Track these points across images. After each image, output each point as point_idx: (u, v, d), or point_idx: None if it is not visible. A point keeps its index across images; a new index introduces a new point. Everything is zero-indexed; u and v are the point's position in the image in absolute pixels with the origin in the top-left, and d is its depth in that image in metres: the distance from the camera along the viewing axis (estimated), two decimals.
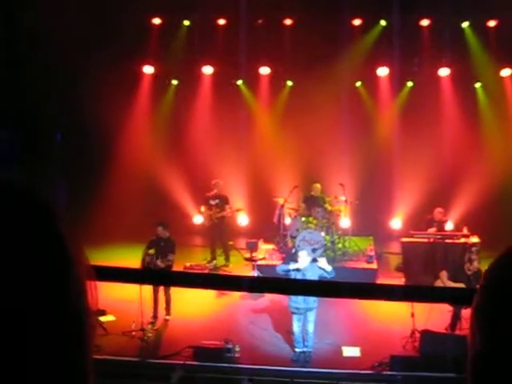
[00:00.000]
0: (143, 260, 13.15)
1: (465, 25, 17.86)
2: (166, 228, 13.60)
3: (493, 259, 1.20)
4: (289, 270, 11.76)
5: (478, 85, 18.25)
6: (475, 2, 16.61)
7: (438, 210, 16.03)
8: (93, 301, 1.08)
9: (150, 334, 12.66)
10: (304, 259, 11.98)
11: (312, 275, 11.59)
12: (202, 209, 17.07)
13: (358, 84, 18.74)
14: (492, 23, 17.55)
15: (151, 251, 13.22)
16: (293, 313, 11.95)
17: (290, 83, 18.98)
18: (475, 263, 12.43)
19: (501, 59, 17.51)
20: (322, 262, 11.97)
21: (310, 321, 11.90)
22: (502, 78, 17.97)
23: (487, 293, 1.14)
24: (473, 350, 1.14)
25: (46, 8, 15.35)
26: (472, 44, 17.89)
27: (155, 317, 13.14)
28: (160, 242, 13.40)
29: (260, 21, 18.45)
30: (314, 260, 12.38)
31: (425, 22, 17.98)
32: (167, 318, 13.28)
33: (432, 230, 15.71)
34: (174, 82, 19.41)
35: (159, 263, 13.12)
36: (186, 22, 18.75)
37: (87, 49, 16.50)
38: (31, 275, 0.99)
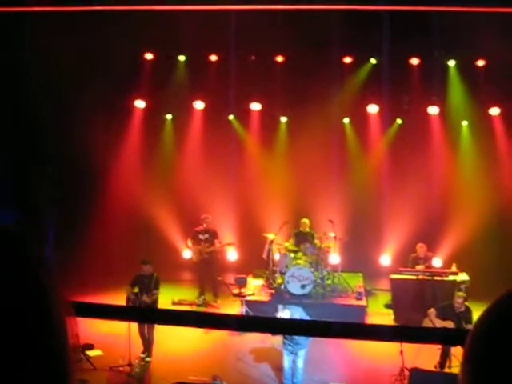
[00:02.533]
0: (128, 298, 13.03)
1: (451, 63, 18.06)
2: (149, 265, 13.51)
3: (484, 304, 1.19)
4: None
5: (464, 123, 18.38)
6: (464, 42, 16.79)
7: (420, 245, 16.02)
8: (73, 337, 1.09)
9: (137, 370, 12.54)
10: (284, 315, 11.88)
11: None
12: (189, 243, 17.01)
13: (346, 121, 18.83)
14: (481, 62, 17.75)
15: (135, 289, 13.09)
16: (284, 349, 11.91)
17: (283, 119, 19.07)
18: (463, 301, 12.43)
19: (489, 98, 17.67)
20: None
21: (299, 356, 11.86)
22: (491, 116, 18.10)
23: (478, 346, 1.13)
24: None
25: (35, 44, 15.45)
26: (456, 83, 18.08)
27: (145, 350, 13.03)
28: (143, 278, 13.28)
29: (253, 57, 18.59)
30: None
31: (414, 61, 18.16)
32: (148, 359, 13.09)
33: (420, 267, 15.71)
34: (169, 116, 19.48)
35: (145, 299, 13.00)
36: (182, 58, 18.87)
37: (79, 84, 16.54)
38: (14, 316, 0.99)
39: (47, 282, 1.08)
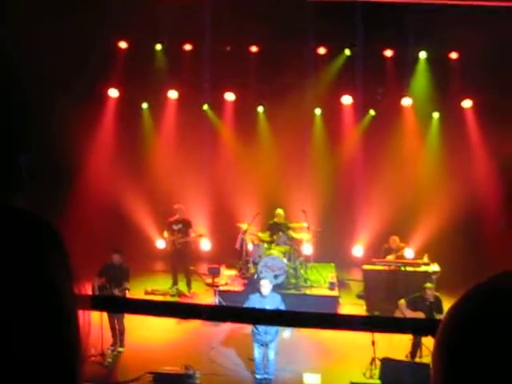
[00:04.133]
0: (93, 288, 12.92)
1: (422, 56, 18.14)
2: (120, 254, 13.43)
3: (454, 294, 1.20)
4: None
5: (435, 115, 18.49)
6: (437, 34, 16.89)
7: (393, 238, 16.19)
8: (85, 331, 1.09)
9: (109, 360, 12.53)
10: (266, 287, 12.10)
11: (270, 306, 11.66)
12: (165, 234, 16.99)
13: (318, 112, 18.86)
14: (454, 55, 17.85)
15: (102, 280, 12.99)
16: (254, 341, 11.96)
17: (260, 109, 19.05)
18: (433, 291, 12.55)
19: (462, 90, 17.80)
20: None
21: (270, 348, 11.94)
22: (463, 108, 18.22)
23: (450, 329, 1.14)
24: None
25: (6, 31, 15.31)
26: (425, 75, 18.18)
27: (115, 343, 12.99)
28: (113, 269, 13.18)
29: (228, 47, 18.55)
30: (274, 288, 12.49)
31: (388, 53, 18.22)
32: (120, 350, 13.05)
33: (391, 258, 15.84)
34: (144, 105, 19.38)
35: (116, 292, 12.90)
36: (156, 47, 18.74)
37: (52, 73, 16.38)
38: (24, 309, 0.99)
39: (60, 268, 1.07)
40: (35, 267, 1.03)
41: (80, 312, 1.08)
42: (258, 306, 11.76)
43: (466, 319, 1.13)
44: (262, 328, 11.64)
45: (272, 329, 11.60)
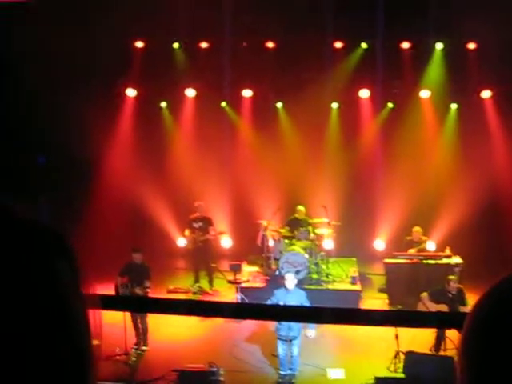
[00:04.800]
0: (116, 287, 12.97)
1: (438, 47, 18.03)
2: (140, 253, 13.47)
3: (477, 286, 1.20)
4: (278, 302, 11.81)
5: (453, 106, 18.38)
6: (455, 25, 16.78)
7: (416, 229, 16.08)
8: (97, 331, 1.10)
9: (134, 358, 12.60)
10: (290, 281, 12.12)
11: (295, 302, 11.67)
12: (186, 232, 17.02)
13: (335, 106, 18.80)
14: (472, 45, 17.72)
15: (124, 280, 13.03)
16: (278, 338, 11.97)
17: (279, 105, 19.05)
18: (455, 284, 12.49)
19: (481, 81, 17.68)
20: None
21: (294, 344, 11.95)
22: (483, 99, 18.10)
23: (475, 333, 1.14)
24: None
25: (25, 33, 15.40)
26: (442, 66, 18.06)
27: (138, 342, 13.04)
28: (134, 268, 13.23)
29: (244, 43, 18.54)
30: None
31: (405, 45, 18.12)
32: (144, 348, 13.10)
33: (412, 251, 15.76)
34: (163, 104, 19.43)
35: (138, 291, 12.94)
36: (173, 45, 18.78)
37: (70, 74, 16.47)
38: (34, 310, 1.00)
39: (66, 272, 1.08)
40: (40, 272, 1.04)
41: (90, 312, 1.09)
42: (282, 301, 11.77)
43: (487, 319, 1.12)
44: (285, 324, 11.64)
45: (295, 325, 11.59)
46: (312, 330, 12.15)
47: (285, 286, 12.24)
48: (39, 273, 1.03)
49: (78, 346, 1.05)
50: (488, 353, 1.09)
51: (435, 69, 18.15)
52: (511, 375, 1.05)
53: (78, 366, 1.05)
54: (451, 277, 12.72)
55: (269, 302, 11.81)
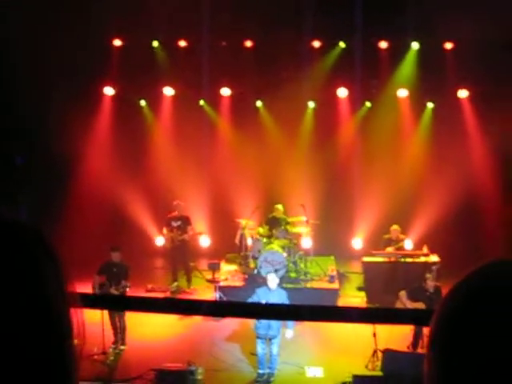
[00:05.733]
0: (93, 287, 12.88)
1: (414, 47, 18.13)
2: (119, 252, 13.38)
3: (452, 282, 1.20)
4: (259, 301, 11.79)
5: (430, 105, 18.50)
6: (432, 25, 16.87)
7: (394, 227, 16.17)
8: (79, 330, 1.10)
9: (112, 358, 12.55)
10: (272, 281, 12.14)
11: (277, 301, 11.68)
12: (164, 231, 16.98)
13: (314, 105, 18.84)
14: (449, 45, 17.84)
15: (102, 279, 12.96)
16: (257, 337, 11.97)
17: (259, 104, 19.06)
18: (432, 282, 12.56)
19: (458, 81, 17.80)
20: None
21: (274, 343, 11.96)
22: (459, 99, 18.23)
23: (443, 325, 1.15)
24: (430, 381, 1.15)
25: (4, 30, 15.30)
26: (416, 65, 18.16)
27: (116, 341, 12.99)
28: (112, 267, 13.14)
29: (223, 43, 18.54)
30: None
31: (383, 44, 18.21)
32: (122, 347, 13.04)
33: (390, 249, 15.84)
34: (142, 102, 19.37)
35: (113, 291, 12.86)
36: (151, 44, 18.74)
37: (48, 72, 16.36)
38: (13, 307, 1.00)
39: (49, 271, 1.08)
40: (24, 272, 1.04)
41: (72, 311, 1.10)
42: (264, 299, 11.78)
43: (455, 311, 1.13)
44: (264, 323, 11.64)
45: (275, 324, 11.60)
46: (290, 331, 12.16)
47: (267, 285, 12.24)
48: (23, 273, 1.04)
49: (61, 346, 1.06)
50: (456, 344, 1.10)
51: (409, 68, 18.26)
52: (478, 366, 1.06)
53: (62, 365, 1.05)
54: (428, 275, 12.79)
55: (250, 301, 11.79)
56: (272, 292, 12.08)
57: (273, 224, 17.02)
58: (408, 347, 12.29)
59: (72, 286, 1.12)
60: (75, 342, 1.10)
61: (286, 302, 11.94)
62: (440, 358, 1.13)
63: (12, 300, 1.00)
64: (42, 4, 15.43)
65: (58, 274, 1.09)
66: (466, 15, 15.18)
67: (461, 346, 1.09)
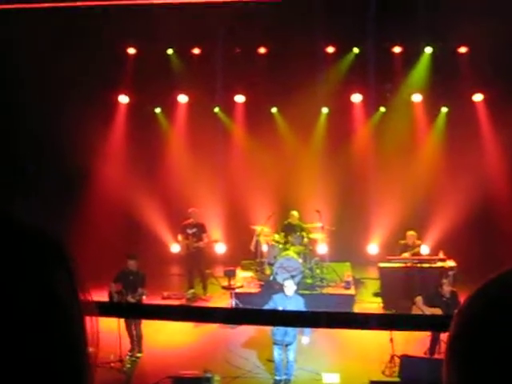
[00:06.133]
0: (110, 295, 12.93)
1: (427, 51, 18.08)
2: (135, 260, 13.40)
3: (468, 287, 1.19)
4: (276, 307, 11.77)
5: (444, 110, 18.44)
6: (446, 29, 16.80)
7: (411, 233, 16.11)
8: (93, 338, 1.10)
9: (128, 365, 12.56)
10: (290, 288, 12.10)
11: (293, 308, 11.65)
12: (180, 238, 17.00)
13: (329, 111, 18.84)
14: (463, 49, 17.78)
15: (118, 287, 12.97)
16: (274, 343, 11.94)
17: (273, 110, 19.08)
18: (448, 287, 12.50)
19: (472, 85, 17.73)
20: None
21: (290, 349, 11.92)
22: (474, 103, 18.17)
23: (462, 334, 1.13)
24: None
25: (16, 40, 15.39)
26: (430, 70, 18.09)
27: (133, 349, 13.00)
28: (128, 275, 13.15)
29: (237, 50, 18.56)
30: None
31: (397, 49, 18.18)
32: (139, 355, 13.04)
33: (406, 255, 15.77)
34: (157, 110, 19.44)
35: (130, 299, 12.87)
36: (167, 52, 18.80)
37: (62, 81, 16.44)
38: (32, 316, 1.00)
39: (64, 278, 1.08)
40: (37, 280, 1.04)
41: (87, 319, 1.09)
42: (280, 306, 11.75)
43: (475, 320, 1.12)
44: (281, 329, 11.61)
45: (291, 330, 11.56)
46: (306, 337, 12.12)
47: (283, 292, 12.21)
48: (37, 281, 1.03)
49: (75, 355, 1.05)
50: (475, 353, 1.08)
51: (422, 72, 18.21)
52: (498, 376, 1.05)
53: (75, 373, 1.05)
54: (444, 280, 12.73)
55: (266, 307, 11.78)
56: (289, 298, 12.04)
57: (288, 230, 17.01)
58: (425, 353, 12.24)
59: (87, 293, 1.12)
60: (90, 350, 1.10)
61: (303, 308, 11.90)
62: (459, 367, 1.11)
63: (25, 308, 1.00)
64: (56, 13, 15.48)
65: (73, 282, 1.09)
66: (480, 19, 15.12)
67: (480, 354, 1.07)
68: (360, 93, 18.52)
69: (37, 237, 1.09)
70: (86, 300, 1.11)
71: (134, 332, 12.92)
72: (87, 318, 1.10)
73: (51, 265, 1.07)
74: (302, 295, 13.18)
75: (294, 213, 17.33)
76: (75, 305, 1.08)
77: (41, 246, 1.08)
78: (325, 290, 16.21)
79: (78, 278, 1.11)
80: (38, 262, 1.06)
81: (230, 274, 16.33)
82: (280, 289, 12.59)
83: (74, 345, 1.05)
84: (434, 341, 12.21)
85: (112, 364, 12.32)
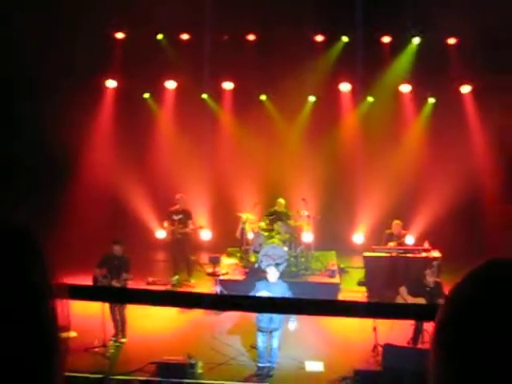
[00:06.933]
0: (94, 279, 12.90)
1: (415, 41, 18.11)
2: (121, 245, 13.37)
3: (453, 277, 1.20)
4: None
5: (431, 100, 18.49)
6: (435, 20, 16.83)
7: (396, 222, 16.14)
8: (64, 320, 1.10)
9: (112, 350, 12.55)
10: (272, 274, 12.07)
11: (277, 295, 11.63)
12: (165, 224, 16.98)
13: (316, 99, 18.83)
14: (452, 40, 17.81)
15: (103, 271, 12.95)
16: (258, 330, 11.95)
17: (262, 98, 19.06)
18: (432, 277, 12.54)
19: (460, 76, 17.77)
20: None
21: (274, 336, 11.93)
22: (462, 94, 18.22)
23: (451, 320, 1.14)
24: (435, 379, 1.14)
25: (4, 22, 15.28)
26: (418, 60, 18.10)
27: (117, 334, 12.99)
28: (113, 260, 13.10)
29: (226, 37, 18.51)
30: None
31: (386, 39, 18.18)
32: (123, 340, 13.02)
33: (392, 244, 15.82)
34: (146, 95, 19.36)
35: (114, 283, 12.85)
36: (156, 37, 18.72)
37: (50, 67, 16.33)
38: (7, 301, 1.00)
39: (33, 263, 1.08)
40: (4, 266, 1.04)
41: (58, 302, 1.10)
42: (264, 293, 11.75)
43: (461, 309, 1.12)
44: (266, 316, 11.62)
45: (277, 317, 11.56)
46: (293, 323, 12.12)
47: (266, 279, 12.21)
48: (3, 267, 1.03)
49: (45, 338, 1.05)
50: (462, 342, 1.09)
51: (408, 62, 18.24)
52: (486, 364, 1.05)
53: (45, 357, 1.05)
54: (427, 270, 12.77)
55: (250, 294, 11.76)
56: (272, 285, 12.04)
57: (274, 218, 17.02)
58: (408, 342, 12.29)
59: (58, 278, 1.12)
60: (62, 334, 1.10)
61: (288, 293, 11.90)
62: (446, 356, 1.12)
63: None
64: None
65: (42, 266, 1.09)
66: (469, 10, 15.14)
67: (467, 342, 1.08)
68: (348, 82, 18.53)
69: (3, 225, 1.10)
70: (58, 284, 1.11)
71: (118, 317, 12.91)
72: (58, 302, 1.10)
73: (18, 251, 1.08)
74: (287, 283, 13.20)
75: (281, 200, 17.35)
76: (44, 289, 1.08)
77: (7, 234, 1.09)
78: (310, 279, 16.25)
79: (46, 262, 1.11)
80: (4, 249, 1.06)
81: (215, 261, 16.31)
82: (264, 276, 12.59)
83: (43, 328, 1.06)
84: (417, 330, 12.26)
85: (96, 349, 12.32)
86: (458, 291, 1.16)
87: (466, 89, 18.15)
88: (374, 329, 11.95)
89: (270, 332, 11.90)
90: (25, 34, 15.45)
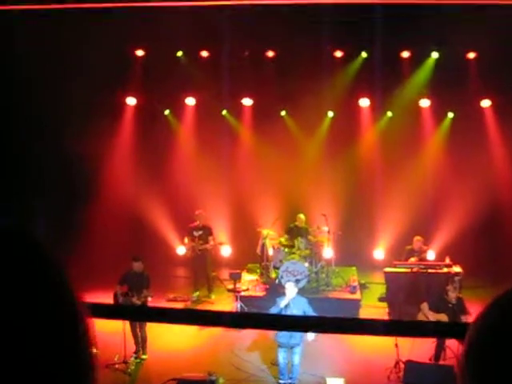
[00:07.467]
0: (115, 296, 12.94)
1: (434, 56, 18.08)
2: (140, 262, 13.35)
3: (477, 295, 1.19)
4: (281, 310, 11.71)
5: (450, 115, 18.43)
6: (454, 35, 16.78)
7: (417, 238, 16.04)
8: (93, 339, 1.11)
9: (133, 367, 12.56)
10: (291, 290, 12.01)
11: (297, 310, 11.60)
12: (186, 240, 17.01)
13: (336, 115, 18.83)
14: (471, 55, 17.76)
15: (124, 289, 12.97)
16: (278, 346, 11.90)
17: (282, 113, 19.10)
18: (454, 293, 12.44)
19: (480, 90, 17.70)
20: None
21: (295, 352, 11.86)
22: (482, 108, 18.15)
23: (478, 345, 1.13)
24: None
25: (25, 41, 15.41)
26: (438, 75, 18.05)
27: (138, 351, 13.01)
28: (133, 277, 13.14)
29: (245, 53, 18.58)
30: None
31: (405, 54, 18.18)
32: (144, 357, 13.04)
33: (412, 260, 15.72)
34: (166, 112, 19.47)
35: (135, 301, 12.88)
36: (176, 54, 18.83)
37: (70, 83, 16.47)
38: (38, 326, 1.01)
39: (68, 282, 1.09)
40: (44, 282, 1.05)
41: (89, 321, 1.11)
42: (285, 309, 11.71)
43: (491, 330, 1.11)
44: (286, 332, 11.57)
45: (297, 333, 11.51)
46: (312, 335, 12.04)
47: (285, 295, 12.15)
48: (43, 283, 1.04)
49: (80, 355, 1.06)
50: (490, 364, 1.08)
51: (426, 77, 18.20)
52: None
53: (80, 374, 1.06)
54: (449, 286, 12.69)
55: (271, 311, 11.73)
56: (292, 300, 11.98)
57: (294, 234, 17.00)
58: (430, 359, 12.20)
59: (82, 296, 1.13)
60: (93, 351, 1.11)
61: (308, 309, 11.85)
62: (476, 377, 1.11)
63: (31, 309, 1.01)
64: (64, 14, 15.52)
65: (70, 285, 1.10)
66: (488, 25, 15.09)
67: (495, 365, 1.07)
68: (367, 97, 18.51)
69: (24, 242, 1.11)
70: (83, 302, 1.12)
71: (139, 334, 12.93)
72: (89, 320, 1.11)
73: (55, 268, 1.08)
74: (307, 299, 13.14)
75: (301, 216, 17.34)
76: (78, 306, 1.09)
77: (28, 252, 1.09)
78: (331, 295, 16.19)
79: (72, 281, 1.12)
80: (45, 267, 1.07)
81: (236, 277, 16.30)
82: (284, 292, 12.55)
83: (78, 345, 1.06)
84: (439, 347, 12.17)
85: (117, 365, 12.34)
86: (487, 312, 1.16)
87: (486, 103, 18.08)
88: (396, 345, 11.87)
89: (291, 348, 11.84)
90: (45, 50, 15.59)
